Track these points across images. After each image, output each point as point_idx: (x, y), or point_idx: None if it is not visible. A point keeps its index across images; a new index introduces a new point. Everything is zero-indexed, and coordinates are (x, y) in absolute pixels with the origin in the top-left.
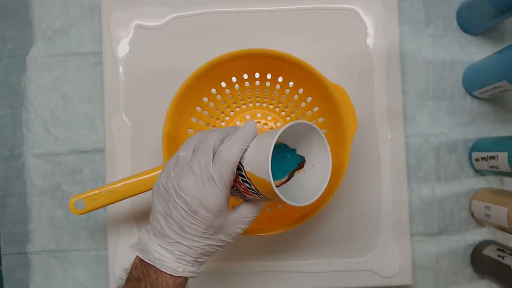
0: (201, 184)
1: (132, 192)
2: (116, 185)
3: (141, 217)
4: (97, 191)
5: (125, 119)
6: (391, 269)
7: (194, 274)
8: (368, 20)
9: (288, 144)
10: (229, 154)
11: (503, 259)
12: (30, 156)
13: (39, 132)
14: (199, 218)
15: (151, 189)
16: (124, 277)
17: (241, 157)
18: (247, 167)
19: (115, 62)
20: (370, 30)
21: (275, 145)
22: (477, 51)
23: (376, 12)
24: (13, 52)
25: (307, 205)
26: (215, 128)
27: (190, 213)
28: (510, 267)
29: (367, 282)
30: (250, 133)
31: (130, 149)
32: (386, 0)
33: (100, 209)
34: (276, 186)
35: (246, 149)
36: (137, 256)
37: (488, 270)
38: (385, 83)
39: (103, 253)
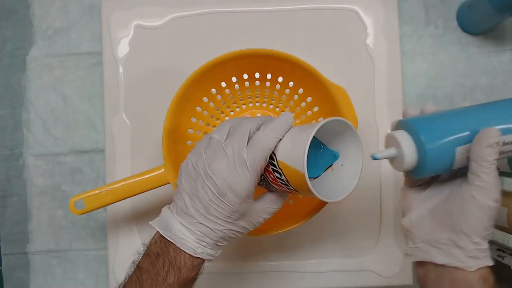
0: (233, 168)
1: (132, 192)
2: (116, 185)
3: (141, 217)
4: (97, 191)
5: (125, 119)
6: (391, 269)
7: (212, 258)
8: (368, 20)
9: (321, 139)
10: (265, 141)
11: (503, 259)
12: (30, 156)
13: (39, 132)
14: (225, 202)
15: (151, 189)
16: (142, 252)
17: (275, 147)
18: (280, 157)
19: (115, 62)
20: (370, 30)
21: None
22: (477, 51)
23: (376, 12)
24: (13, 52)
25: (307, 205)
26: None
27: (218, 195)
28: (510, 267)
29: (367, 282)
30: (287, 124)
31: (130, 149)
32: (386, 0)
33: (100, 209)
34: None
35: (280, 139)
36: (157, 232)
37: None
38: (385, 83)
39: (103, 253)
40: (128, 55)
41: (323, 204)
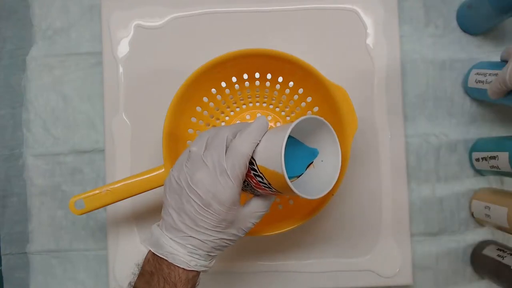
0: (214, 177)
1: (132, 192)
2: (116, 185)
3: (141, 217)
4: (97, 191)
5: (125, 119)
6: (391, 269)
7: (206, 268)
8: (368, 20)
9: (298, 139)
10: (242, 148)
11: (503, 259)
12: (30, 156)
13: (39, 132)
14: (211, 212)
15: (151, 189)
16: (136, 272)
17: (253, 152)
18: (259, 161)
19: (115, 62)
20: (370, 30)
21: (287, 139)
22: (477, 51)
23: (376, 12)
24: (13, 52)
25: (307, 205)
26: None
27: (203, 207)
28: (510, 267)
29: (367, 282)
30: (262, 128)
31: (130, 149)
32: (386, 0)
33: (100, 209)
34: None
35: (258, 144)
36: (150, 251)
37: (488, 270)
38: (385, 83)
39: (103, 253)
40: (128, 55)
41: (322, 204)
